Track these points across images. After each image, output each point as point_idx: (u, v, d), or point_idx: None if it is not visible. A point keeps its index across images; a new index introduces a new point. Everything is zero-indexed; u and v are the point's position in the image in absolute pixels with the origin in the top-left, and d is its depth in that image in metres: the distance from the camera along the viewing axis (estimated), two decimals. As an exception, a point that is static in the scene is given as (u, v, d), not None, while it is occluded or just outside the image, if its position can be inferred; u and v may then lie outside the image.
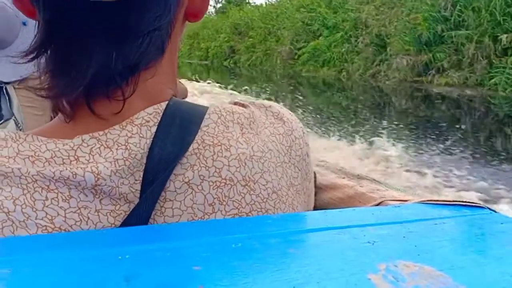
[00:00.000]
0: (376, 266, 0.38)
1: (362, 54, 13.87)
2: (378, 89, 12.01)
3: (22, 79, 1.42)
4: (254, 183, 0.50)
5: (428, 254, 0.41)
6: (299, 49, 17.21)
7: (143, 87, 0.49)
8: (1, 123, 1.37)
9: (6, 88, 1.40)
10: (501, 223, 0.48)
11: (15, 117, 1.39)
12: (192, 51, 28.31)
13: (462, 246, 0.44)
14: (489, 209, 0.52)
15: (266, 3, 23.27)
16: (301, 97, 10.56)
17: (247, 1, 33.19)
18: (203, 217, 0.48)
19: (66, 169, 0.45)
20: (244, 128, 0.51)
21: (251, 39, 21.09)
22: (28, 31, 1.44)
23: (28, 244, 0.41)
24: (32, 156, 0.45)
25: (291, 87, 13.13)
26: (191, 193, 0.47)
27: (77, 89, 0.46)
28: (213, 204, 0.48)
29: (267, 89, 12.38)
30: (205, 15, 0.56)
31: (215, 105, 0.53)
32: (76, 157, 0.46)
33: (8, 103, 1.39)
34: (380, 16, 13.69)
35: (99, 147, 0.46)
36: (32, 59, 0.47)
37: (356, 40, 14.40)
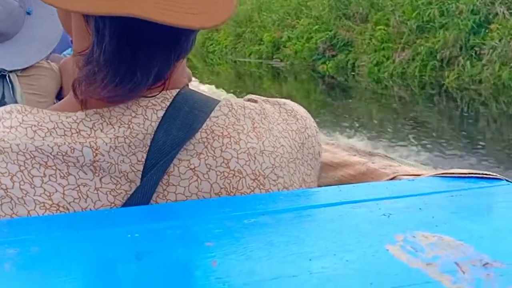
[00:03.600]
0: (393, 237, 0.36)
1: None
2: None
3: (25, 68, 1.41)
4: (264, 178, 0.49)
5: (446, 225, 0.39)
6: None
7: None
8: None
9: (9, 76, 1.39)
10: None
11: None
12: (242, 45, 13.37)
13: (481, 216, 0.43)
14: (507, 180, 0.50)
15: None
16: None
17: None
18: None
19: (65, 143, 0.44)
20: (256, 123, 0.51)
21: (381, 28, 8.95)
22: (33, 20, 1.41)
23: (35, 224, 0.40)
24: (35, 125, 0.45)
25: None
26: (196, 180, 0.47)
27: (140, 91, 0.46)
28: (219, 193, 0.47)
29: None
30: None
31: (227, 98, 0.52)
32: (77, 130, 0.45)
33: (11, 90, 1.39)
34: None
35: (101, 123, 0.46)
36: (89, 62, 0.45)
37: None
